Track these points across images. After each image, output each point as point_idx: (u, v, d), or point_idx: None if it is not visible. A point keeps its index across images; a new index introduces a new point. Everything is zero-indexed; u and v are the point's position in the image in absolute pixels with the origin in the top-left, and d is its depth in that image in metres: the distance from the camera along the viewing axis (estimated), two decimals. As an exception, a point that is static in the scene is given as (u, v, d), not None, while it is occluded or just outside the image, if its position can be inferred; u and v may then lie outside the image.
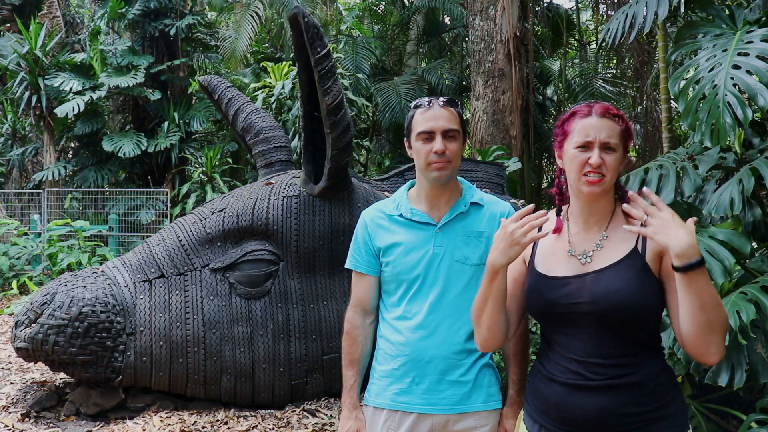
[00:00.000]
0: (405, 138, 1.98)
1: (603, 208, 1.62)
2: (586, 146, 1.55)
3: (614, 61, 11.38)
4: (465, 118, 2.04)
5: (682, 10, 3.36)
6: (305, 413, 3.85)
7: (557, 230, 1.68)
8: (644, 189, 1.49)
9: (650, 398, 1.50)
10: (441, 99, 1.92)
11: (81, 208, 11.08)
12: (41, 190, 10.80)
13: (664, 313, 1.60)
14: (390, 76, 11.75)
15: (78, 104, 10.66)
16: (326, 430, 3.65)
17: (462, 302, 1.89)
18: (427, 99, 1.94)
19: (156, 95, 11.53)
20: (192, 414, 3.79)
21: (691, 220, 1.41)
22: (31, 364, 4.69)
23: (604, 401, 1.52)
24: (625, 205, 1.49)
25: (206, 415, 3.79)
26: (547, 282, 1.61)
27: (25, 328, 3.64)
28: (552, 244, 1.67)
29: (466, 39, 10.54)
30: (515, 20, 7.64)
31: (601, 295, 1.51)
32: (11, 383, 4.36)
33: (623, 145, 1.59)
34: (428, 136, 1.88)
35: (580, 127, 1.57)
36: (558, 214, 1.72)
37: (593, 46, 12.44)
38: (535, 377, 1.68)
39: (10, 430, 3.55)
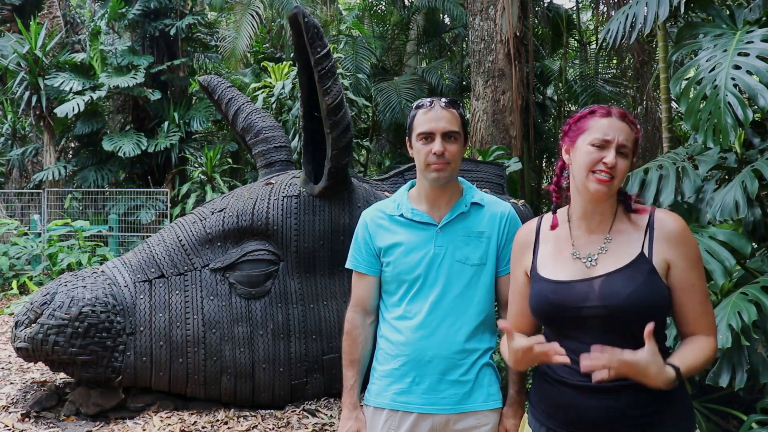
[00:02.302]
0: (407, 137, 1.98)
1: (606, 210, 1.62)
2: (603, 145, 1.55)
3: (614, 61, 11.37)
4: (465, 118, 2.02)
5: (682, 10, 3.36)
6: (305, 413, 3.84)
7: (554, 227, 1.68)
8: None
9: (657, 398, 1.50)
10: (443, 100, 1.91)
11: (81, 208, 11.07)
12: (41, 190, 10.79)
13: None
14: (390, 76, 11.74)
15: (78, 104, 10.65)
16: (326, 430, 3.65)
17: (462, 302, 1.90)
18: (429, 99, 1.92)
19: (156, 95, 11.52)
20: (192, 414, 3.79)
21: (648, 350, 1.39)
22: (31, 364, 4.69)
23: (612, 402, 1.52)
24: (585, 363, 1.41)
25: (206, 415, 3.79)
26: (552, 286, 1.61)
27: (25, 328, 3.64)
28: (554, 248, 1.67)
29: (466, 39, 10.53)
30: (515, 20, 7.64)
31: (611, 298, 1.51)
32: (11, 383, 4.35)
33: (633, 153, 1.59)
34: (428, 136, 1.88)
35: (600, 125, 1.57)
36: (554, 211, 1.71)
37: (593, 46, 12.43)
38: (541, 380, 1.68)
39: (10, 430, 3.55)
